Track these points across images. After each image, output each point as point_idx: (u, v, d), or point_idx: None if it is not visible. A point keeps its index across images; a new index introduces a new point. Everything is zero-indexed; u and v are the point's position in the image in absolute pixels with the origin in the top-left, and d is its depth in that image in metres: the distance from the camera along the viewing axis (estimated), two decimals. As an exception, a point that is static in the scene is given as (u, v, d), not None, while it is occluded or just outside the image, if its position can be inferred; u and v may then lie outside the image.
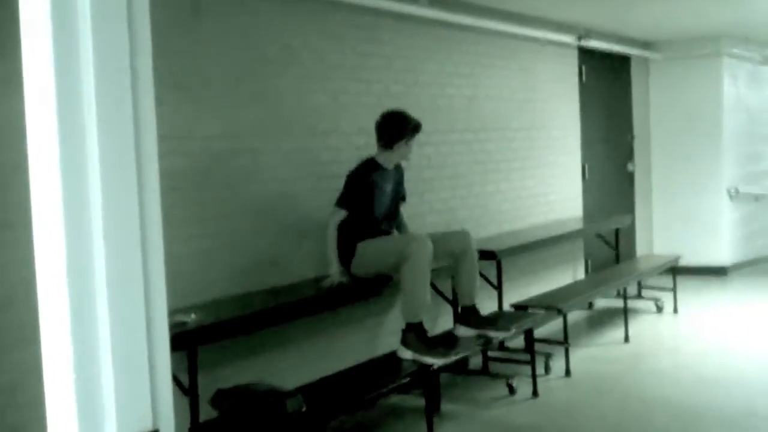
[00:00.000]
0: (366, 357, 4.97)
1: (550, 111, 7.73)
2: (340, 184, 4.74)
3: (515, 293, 6.40)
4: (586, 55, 8.39)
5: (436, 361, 4.59)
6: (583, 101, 8.34)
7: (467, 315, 5.02)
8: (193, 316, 3.75)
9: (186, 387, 3.68)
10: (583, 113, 8.35)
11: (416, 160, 5.41)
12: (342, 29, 5.20)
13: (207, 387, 3.84)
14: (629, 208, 9.47)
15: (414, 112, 5.12)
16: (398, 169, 4.96)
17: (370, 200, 4.72)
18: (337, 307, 4.85)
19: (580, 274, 8.05)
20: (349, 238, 4.68)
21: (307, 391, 4.06)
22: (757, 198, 10.81)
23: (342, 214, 4.63)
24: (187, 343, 3.64)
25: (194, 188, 4.26)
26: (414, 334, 4.60)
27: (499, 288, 6.09)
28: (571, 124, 8.16)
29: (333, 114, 5.11)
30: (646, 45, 9.67)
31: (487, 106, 6.73)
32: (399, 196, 5.01)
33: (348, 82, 5.22)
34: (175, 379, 3.37)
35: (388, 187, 4.84)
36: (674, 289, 7.91)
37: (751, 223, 10.64)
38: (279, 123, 4.75)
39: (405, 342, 4.63)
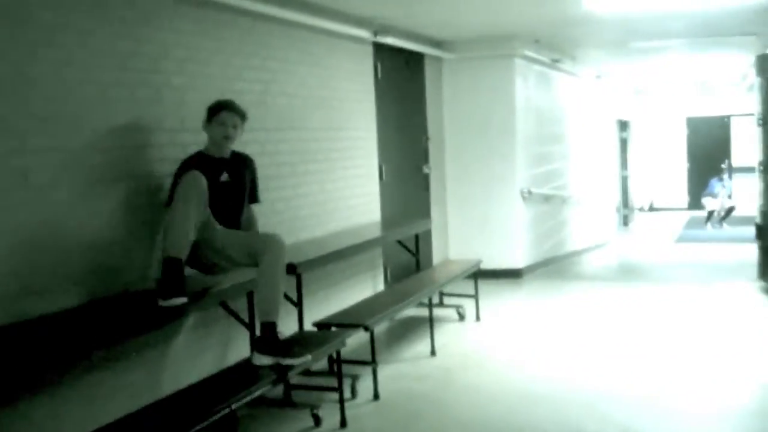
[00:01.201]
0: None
1: (347, 110, 7.21)
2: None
3: (316, 310, 5.82)
4: (382, 51, 7.95)
5: (296, 362, 4.31)
6: (379, 100, 7.89)
7: (263, 337, 4.33)
8: None
9: None
10: (380, 113, 7.90)
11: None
12: (113, 10, 4.38)
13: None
14: (426, 212, 9.15)
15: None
16: (240, 161, 4.62)
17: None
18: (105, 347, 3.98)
19: (380, 284, 7.59)
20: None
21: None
22: (546, 198, 10.86)
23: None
24: None
25: None
26: (271, 335, 4.26)
27: (299, 305, 5.47)
28: (368, 123, 7.68)
29: (107, 107, 4.27)
30: (439, 44, 9.39)
31: (282, 104, 6.10)
32: (241, 192, 4.60)
33: (118, 72, 4.40)
34: None
35: (219, 179, 4.45)
36: (476, 296, 7.63)
37: (542, 224, 10.65)
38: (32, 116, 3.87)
39: (261, 346, 4.29)
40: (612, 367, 6.02)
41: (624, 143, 17.49)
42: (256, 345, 4.40)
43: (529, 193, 9.89)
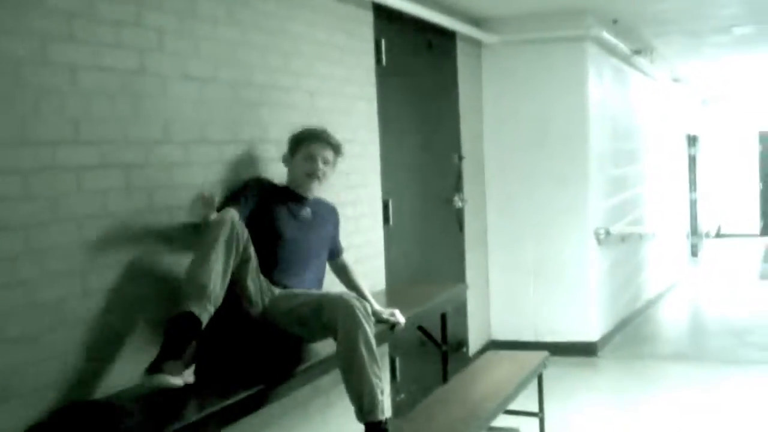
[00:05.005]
0: None
1: (330, 112, 4.39)
2: None
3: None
4: (389, 23, 5.14)
5: None
6: (383, 98, 5.06)
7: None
8: None
9: None
10: (385, 118, 5.07)
11: None
12: None
13: None
14: (458, 267, 6.29)
15: None
16: (325, 209, 3.76)
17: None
18: None
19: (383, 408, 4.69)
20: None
21: None
22: (623, 238, 7.95)
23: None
24: None
25: None
26: None
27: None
28: (365, 134, 4.85)
29: None
30: (477, 21, 6.56)
31: (209, 96, 3.31)
32: (321, 240, 3.67)
33: None
34: None
35: (299, 217, 3.59)
36: (541, 414, 4.75)
37: (619, 273, 7.75)
38: None
39: None
40: None
41: (693, 161, 14.99)
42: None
43: (607, 233, 6.98)
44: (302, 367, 3.27)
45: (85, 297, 2.79)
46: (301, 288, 3.43)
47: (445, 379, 4.76)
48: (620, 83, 8.00)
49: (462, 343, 6.24)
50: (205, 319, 2.87)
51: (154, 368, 2.70)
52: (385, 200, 5.06)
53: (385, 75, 5.09)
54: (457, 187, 6.29)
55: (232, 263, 3.03)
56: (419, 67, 5.73)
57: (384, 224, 5.03)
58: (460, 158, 6.33)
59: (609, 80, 7.46)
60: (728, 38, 8.39)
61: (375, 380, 3.13)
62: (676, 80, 11.48)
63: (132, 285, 2.97)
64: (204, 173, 3.40)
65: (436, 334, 4.76)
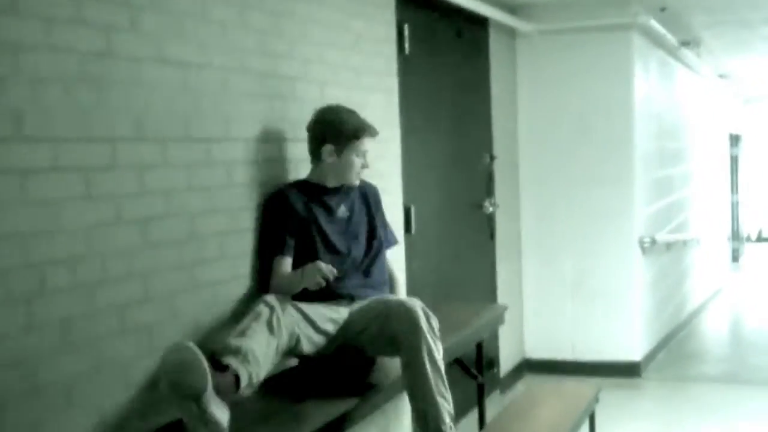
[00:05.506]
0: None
1: (352, 104, 3.83)
2: None
3: None
4: (412, 7, 4.57)
5: None
6: (406, 91, 4.50)
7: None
8: None
9: None
10: (407, 113, 4.51)
11: None
12: None
13: None
14: (489, 282, 5.72)
15: None
16: (354, 192, 3.36)
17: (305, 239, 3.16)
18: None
19: None
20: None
21: None
22: (668, 246, 7.32)
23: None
24: None
25: None
26: None
27: None
28: (385, 132, 4.27)
29: None
30: (512, 8, 5.96)
31: (191, 82, 2.77)
32: (366, 235, 3.33)
33: None
34: None
35: (337, 219, 3.26)
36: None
37: (663, 284, 7.13)
38: None
39: None
40: None
41: (734, 161, 14.45)
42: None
43: (652, 241, 6.36)
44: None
45: None
46: (365, 294, 3.18)
47: (481, 418, 4.14)
48: (666, 78, 7.37)
49: (492, 363, 5.66)
50: (244, 380, 2.56)
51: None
52: (407, 206, 4.49)
53: (408, 65, 4.53)
54: (488, 191, 5.70)
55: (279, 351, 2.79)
56: (447, 58, 5.15)
57: (405, 233, 4.45)
58: (492, 159, 5.74)
59: (655, 74, 6.84)
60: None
61: (441, 400, 2.86)
62: (722, 76, 10.81)
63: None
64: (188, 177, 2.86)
65: (469, 361, 4.16)
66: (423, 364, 2.85)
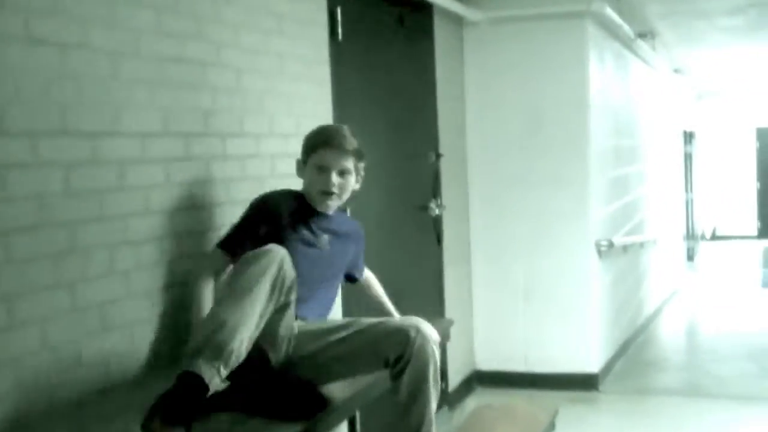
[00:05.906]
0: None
1: (274, 94, 3.40)
2: None
3: None
4: (346, -12, 4.13)
5: None
6: (339, 83, 4.05)
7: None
8: None
9: None
10: (340, 107, 4.06)
11: None
12: None
13: None
14: (435, 289, 5.30)
15: None
16: (346, 228, 3.22)
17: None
18: None
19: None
20: None
21: None
22: (625, 249, 6.97)
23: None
24: None
25: None
26: None
27: None
28: (316, 125, 3.82)
29: None
30: (458, -6, 5.55)
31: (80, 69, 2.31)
32: (339, 267, 3.17)
33: None
34: None
35: (317, 245, 3.02)
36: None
37: (620, 289, 6.78)
38: None
39: None
40: None
41: (689, 159, 14.23)
42: None
43: (610, 244, 5.99)
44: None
45: None
46: (309, 314, 2.91)
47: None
48: (622, 71, 7.02)
49: (441, 375, 5.23)
50: (214, 386, 2.35)
51: (145, 426, 2.24)
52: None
53: (342, 53, 4.07)
54: (434, 192, 5.28)
55: (268, 314, 2.51)
56: (387, 46, 4.71)
57: (340, 240, 4.01)
58: (438, 156, 5.32)
59: (611, 67, 6.47)
60: (741, 20, 7.46)
61: (432, 418, 2.81)
62: (677, 71, 10.56)
63: None
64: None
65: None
66: (428, 386, 2.78)
